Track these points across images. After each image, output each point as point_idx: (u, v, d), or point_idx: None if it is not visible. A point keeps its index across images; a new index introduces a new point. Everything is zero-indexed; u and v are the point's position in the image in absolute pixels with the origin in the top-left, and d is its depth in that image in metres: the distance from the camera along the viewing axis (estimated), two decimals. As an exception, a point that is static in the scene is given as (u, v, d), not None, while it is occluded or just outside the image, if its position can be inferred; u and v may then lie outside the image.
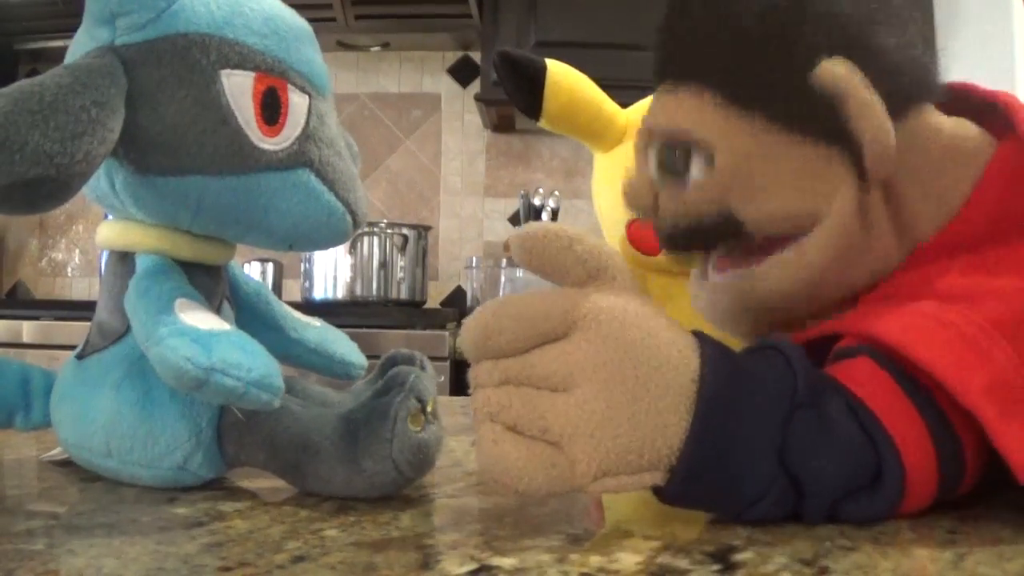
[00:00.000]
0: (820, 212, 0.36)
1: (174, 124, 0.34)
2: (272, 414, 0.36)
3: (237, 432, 0.36)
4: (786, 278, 0.38)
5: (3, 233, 2.31)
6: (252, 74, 0.35)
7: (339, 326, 0.47)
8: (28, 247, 2.32)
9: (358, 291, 1.86)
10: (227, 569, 0.26)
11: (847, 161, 0.36)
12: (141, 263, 0.37)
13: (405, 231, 1.91)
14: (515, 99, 0.59)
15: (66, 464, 0.42)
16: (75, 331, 1.59)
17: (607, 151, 0.61)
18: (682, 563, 0.27)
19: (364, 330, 1.66)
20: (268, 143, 0.36)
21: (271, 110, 0.36)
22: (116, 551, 0.28)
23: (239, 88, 0.35)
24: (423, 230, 1.96)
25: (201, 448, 0.36)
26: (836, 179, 0.36)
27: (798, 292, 0.38)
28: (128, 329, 0.37)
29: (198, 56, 0.34)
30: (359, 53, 2.22)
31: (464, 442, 0.52)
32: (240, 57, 0.35)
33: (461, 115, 2.24)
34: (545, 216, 2.07)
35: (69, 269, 2.30)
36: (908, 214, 0.38)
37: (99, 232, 0.39)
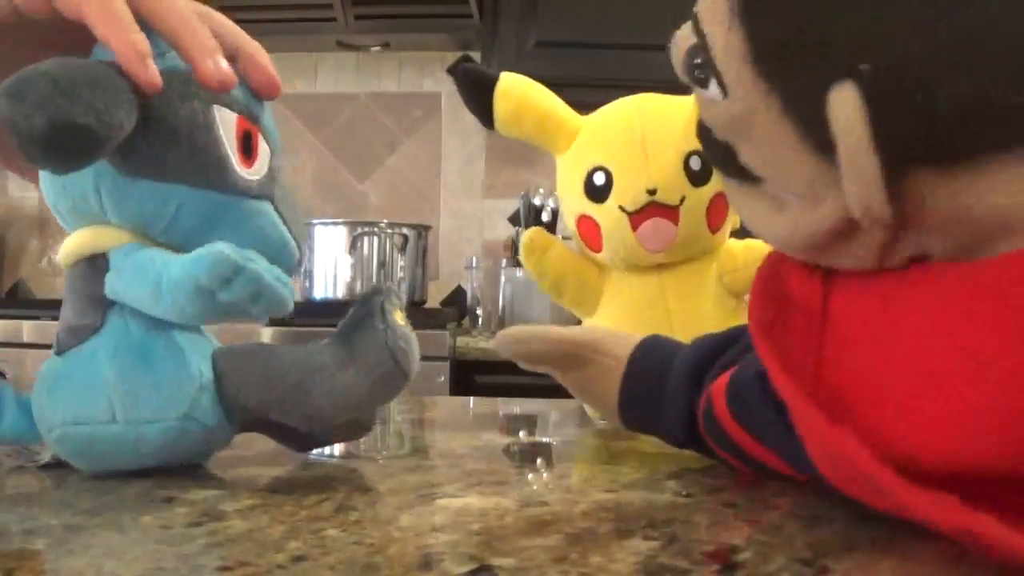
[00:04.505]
0: (803, 199, 0.32)
1: (171, 133, 0.38)
2: (265, 348, 0.40)
3: (236, 373, 0.39)
4: (759, 231, 0.34)
5: (3, 233, 2.31)
6: (236, 115, 0.40)
7: (339, 326, 0.48)
8: (28, 247, 2.32)
9: (358, 290, 1.86)
10: (227, 569, 0.26)
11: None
12: (116, 251, 0.39)
13: (405, 231, 1.91)
14: (470, 108, 0.65)
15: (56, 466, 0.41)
16: (75, 331, 1.59)
17: (562, 153, 0.65)
18: (682, 563, 0.27)
19: (364, 330, 1.65)
20: (245, 172, 0.40)
21: (247, 148, 0.41)
22: (116, 551, 0.28)
23: (226, 122, 0.40)
24: (423, 230, 1.96)
25: (204, 392, 0.39)
26: (825, 189, 0.30)
27: (786, 248, 0.34)
28: (104, 323, 0.39)
29: (197, 88, 0.39)
30: (359, 53, 2.22)
31: (464, 443, 0.52)
32: (229, 99, 0.40)
33: (461, 115, 2.24)
34: (545, 216, 2.06)
35: (69, 269, 2.30)
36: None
37: (68, 245, 0.40)
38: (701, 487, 0.39)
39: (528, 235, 0.67)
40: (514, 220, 2.20)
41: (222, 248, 0.36)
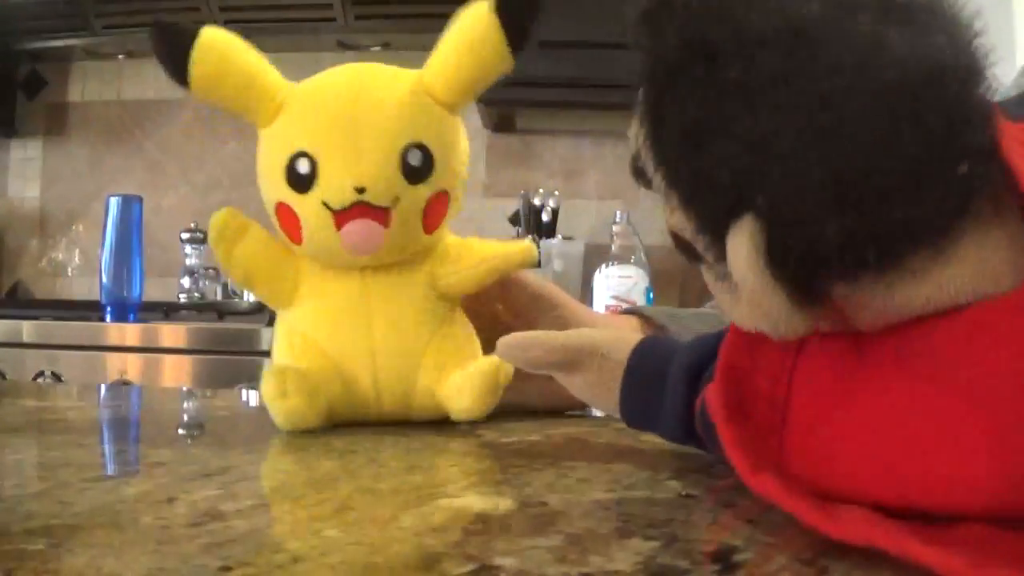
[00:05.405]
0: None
1: None
2: None
3: None
4: (726, 313, 0.36)
5: (3, 233, 2.31)
6: None
7: (339, 326, 0.47)
8: (28, 247, 2.32)
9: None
10: (227, 569, 0.26)
11: None
12: None
13: (405, 231, 1.90)
14: (166, 67, 0.56)
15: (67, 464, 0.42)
16: (75, 331, 1.59)
17: (265, 127, 0.57)
18: (682, 563, 0.27)
19: (364, 330, 1.64)
20: None
21: None
22: (116, 551, 0.28)
23: None
24: (423, 230, 1.95)
25: None
26: None
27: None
28: None
29: None
30: (359, 53, 2.22)
31: (463, 444, 0.52)
32: None
33: (461, 115, 2.24)
34: (545, 216, 2.06)
35: (69, 269, 2.30)
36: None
37: None
38: (701, 487, 0.39)
39: (220, 218, 0.57)
40: (514, 220, 2.20)
41: None
